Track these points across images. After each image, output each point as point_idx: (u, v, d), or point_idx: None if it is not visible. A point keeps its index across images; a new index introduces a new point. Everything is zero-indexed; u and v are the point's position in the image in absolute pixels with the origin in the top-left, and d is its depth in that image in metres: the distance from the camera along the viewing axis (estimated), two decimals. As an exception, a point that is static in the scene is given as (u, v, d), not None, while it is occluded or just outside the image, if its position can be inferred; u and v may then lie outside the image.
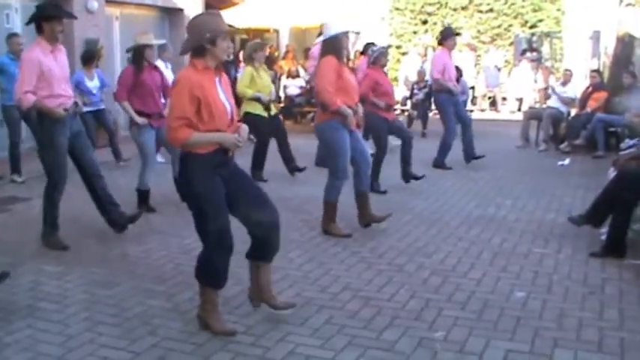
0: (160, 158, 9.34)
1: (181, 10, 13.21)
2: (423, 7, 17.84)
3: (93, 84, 8.96)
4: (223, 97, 3.58)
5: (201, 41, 3.44)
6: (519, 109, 15.08)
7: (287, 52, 15.64)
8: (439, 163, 8.80)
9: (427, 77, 12.88)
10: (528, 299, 4.19)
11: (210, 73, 3.54)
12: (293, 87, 13.58)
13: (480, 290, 4.35)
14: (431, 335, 3.66)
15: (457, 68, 13.11)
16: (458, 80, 12.92)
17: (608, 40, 12.53)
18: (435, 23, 17.67)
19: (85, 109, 7.82)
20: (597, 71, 11.02)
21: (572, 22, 16.12)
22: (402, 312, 3.99)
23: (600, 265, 4.83)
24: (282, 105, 12.86)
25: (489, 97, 16.55)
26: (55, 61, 5.08)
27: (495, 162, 8.98)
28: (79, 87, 8.65)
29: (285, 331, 3.69)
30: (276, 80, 12.65)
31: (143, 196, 6.61)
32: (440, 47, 8.90)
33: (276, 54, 15.70)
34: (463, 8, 17.51)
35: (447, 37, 8.73)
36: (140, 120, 6.34)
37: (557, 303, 4.12)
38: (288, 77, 13.90)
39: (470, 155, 8.93)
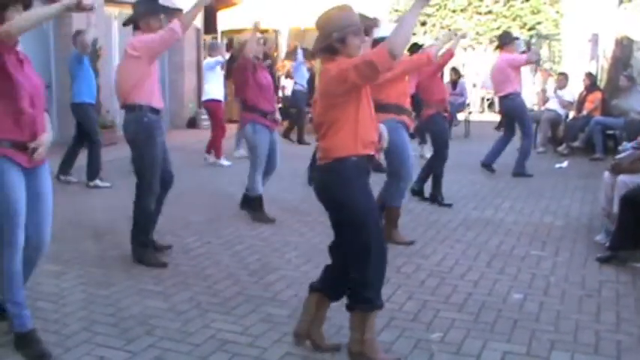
0: (225, 161, 9.22)
1: (180, 10, 13.15)
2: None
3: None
4: None
5: (330, 41, 3.15)
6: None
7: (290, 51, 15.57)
8: (520, 171, 8.47)
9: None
10: (525, 301, 4.20)
11: None
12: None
13: (477, 292, 4.36)
14: (428, 337, 3.66)
15: (455, 70, 13.16)
16: (457, 82, 12.96)
17: (607, 43, 12.55)
18: (433, 25, 17.71)
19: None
20: (589, 74, 11.02)
21: (570, 25, 16.15)
22: (399, 313, 3.99)
23: (597, 267, 4.84)
24: (279, 105, 12.84)
25: (487, 99, 16.56)
26: None
27: (493, 164, 8.96)
28: None
29: (282, 332, 3.68)
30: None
31: (253, 201, 6.18)
32: (502, 51, 8.54)
33: (275, 54, 15.68)
34: (462, 10, 17.55)
35: (510, 42, 8.52)
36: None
37: (555, 305, 4.13)
38: (286, 77, 13.87)
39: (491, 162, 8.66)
